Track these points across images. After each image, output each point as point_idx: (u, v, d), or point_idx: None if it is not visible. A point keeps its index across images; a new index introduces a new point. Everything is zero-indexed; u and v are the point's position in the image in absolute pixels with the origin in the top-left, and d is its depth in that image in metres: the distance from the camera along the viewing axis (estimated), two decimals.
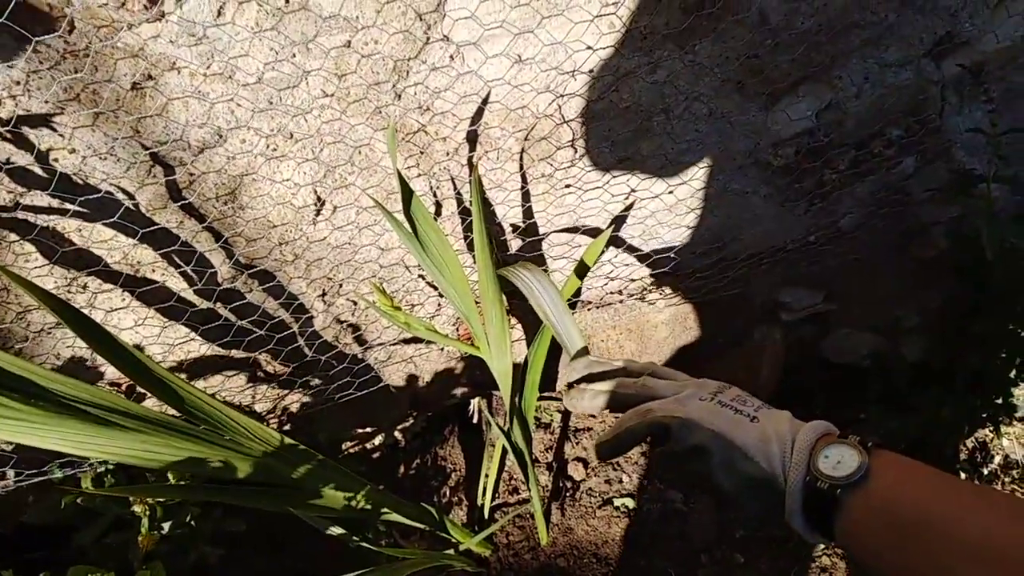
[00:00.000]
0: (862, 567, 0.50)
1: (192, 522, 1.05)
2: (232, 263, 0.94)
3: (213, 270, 0.93)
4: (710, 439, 0.54)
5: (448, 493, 1.40)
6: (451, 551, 1.27)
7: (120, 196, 0.85)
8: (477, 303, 1.02)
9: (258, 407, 1.10)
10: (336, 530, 1.01)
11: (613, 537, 1.34)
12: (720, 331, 1.37)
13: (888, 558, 0.46)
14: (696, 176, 1.06)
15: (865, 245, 1.25)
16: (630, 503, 1.36)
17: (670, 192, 1.07)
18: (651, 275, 1.18)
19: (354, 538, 1.05)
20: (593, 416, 1.46)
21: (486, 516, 1.36)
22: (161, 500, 1.00)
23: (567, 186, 0.97)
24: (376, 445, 1.35)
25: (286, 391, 1.12)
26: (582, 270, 1.05)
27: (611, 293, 1.23)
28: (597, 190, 1.02)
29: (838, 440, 0.51)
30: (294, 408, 1.16)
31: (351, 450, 1.29)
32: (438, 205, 1.00)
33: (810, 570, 1.31)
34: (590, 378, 0.69)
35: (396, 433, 1.35)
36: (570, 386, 0.72)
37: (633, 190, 1.05)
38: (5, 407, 0.75)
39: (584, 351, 0.84)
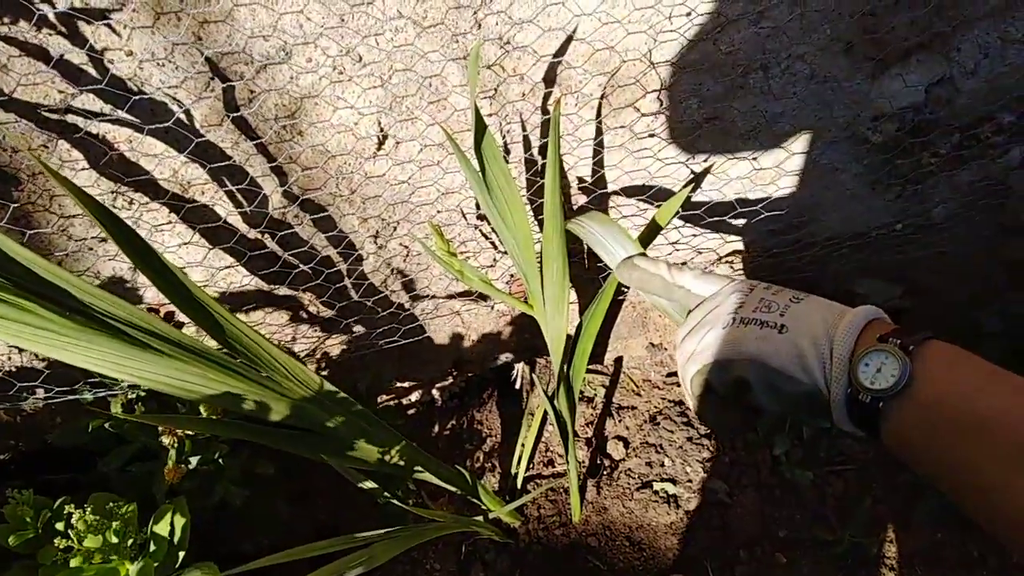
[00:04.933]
0: (913, 470, 0.48)
1: (220, 459, 1.01)
2: (284, 192, 0.88)
3: (264, 195, 0.88)
4: (746, 370, 0.52)
5: (481, 458, 1.35)
6: (480, 518, 1.22)
7: (175, 108, 0.80)
8: (537, 259, 0.96)
9: (297, 348, 1.06)
10: (369, 484, 0.96)
11: (649, 522, 1.28)
12: None
13: (938, 458, 0.45)
14: (786, 144, 0.98)
15: (954, 240, 1.16)
16: (671, 488, 1.30)
17: (754, 159, 0.99)
18: (721, 247, 1.10)
19: (385, 494, 1.00)
20: (648, 383, 1.39)
21: (519, 486, 1.30)
22: (191, 434, 0.96)
23: (651, 135, 0.89)
24: (412, 401, 1.30)
25: (327, 334, 1.07)
26: (652, 231, 0.97)
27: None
28: (682, 140, 0.94)
29: (877, 346, 0.47)
30: (334, 353, 1.11)
31: (387, 403, 1.24)
32: (505, 149, 0.93)
33: None
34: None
35: (434, 391, 1.30)
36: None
37: (716, 153, 0.97)
38: (41, 318, 0.70)
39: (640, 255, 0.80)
